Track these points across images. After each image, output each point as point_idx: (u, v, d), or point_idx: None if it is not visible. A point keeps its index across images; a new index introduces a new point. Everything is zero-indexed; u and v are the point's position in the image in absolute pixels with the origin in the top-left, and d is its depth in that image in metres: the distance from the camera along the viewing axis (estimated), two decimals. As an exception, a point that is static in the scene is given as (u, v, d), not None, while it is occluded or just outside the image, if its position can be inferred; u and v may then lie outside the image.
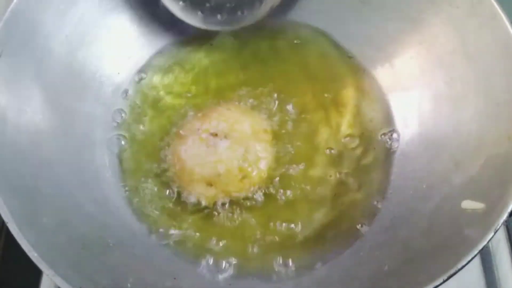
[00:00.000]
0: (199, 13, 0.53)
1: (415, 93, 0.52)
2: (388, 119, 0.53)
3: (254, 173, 0.50)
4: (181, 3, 0.53)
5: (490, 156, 0.43)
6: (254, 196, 0.50)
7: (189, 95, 0.56)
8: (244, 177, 0.49)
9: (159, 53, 0.57)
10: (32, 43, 0.46)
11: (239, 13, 0.54)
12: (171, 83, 0.56)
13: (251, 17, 0.54)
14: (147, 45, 0.57)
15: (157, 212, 0.50)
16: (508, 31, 0.44)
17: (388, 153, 0.52)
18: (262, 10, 0.54)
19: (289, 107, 0.54)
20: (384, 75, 0.55)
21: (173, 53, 0.57)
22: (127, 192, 0.50)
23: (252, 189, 0.50)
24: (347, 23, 0.55)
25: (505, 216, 0.37)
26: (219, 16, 0.54)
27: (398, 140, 0.52)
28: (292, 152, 0.52)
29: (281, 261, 0.47)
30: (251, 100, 0.54)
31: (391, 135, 0.52)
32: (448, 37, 0.49)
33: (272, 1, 0.53)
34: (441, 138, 0.49)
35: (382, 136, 0.53)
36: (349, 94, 0.55)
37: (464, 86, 0.48)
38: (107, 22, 0.53)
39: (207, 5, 0.53)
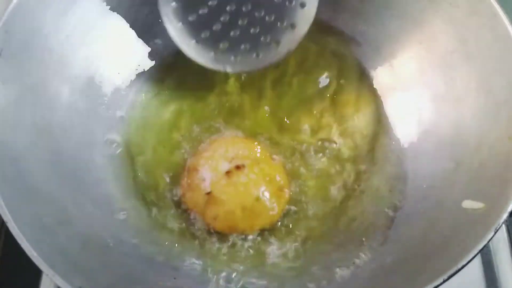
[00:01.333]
0: (212, 53, 0.49)
1: (415, 93, 0.52)
2: (390, 119, 0.54)
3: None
4: (193, 41, 0.49)
5: (490, 155, 0.43)
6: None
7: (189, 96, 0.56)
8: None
9: (159, 52, 0.57)
10: (32, 43, 0.46)
11: (254, 55, 0.49)
12: (172, 83, 0.57)
13: (266, 60, 0.50)
14: (147, 45, 0.57)
15: (157, 212, 0.50)
16: (508, 30, 0.44)
17: (391, 154, 0.52)
18: (279, 54, 0.49)
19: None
20: (384, 75, 0.55)
21: (173, 52, 0.57)
22: (127, 192, 0.50)
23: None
24: (347, 23, 0.55)
25: (505, 215, 0.37)
26: (232, 58, 0.49)
27: (403, 141, 0.52)
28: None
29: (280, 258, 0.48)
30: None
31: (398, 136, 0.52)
32: (448, 36, 0.49)
33: (289, 45, 0.49)
34: (441, 138, 0.49)
35: (387, 139, 0.53)
36: (351, 96, 0.55)
37: (464, 85, 0.48)
38: (107, 22, 0.53)
39: (221, 45, 0.49)
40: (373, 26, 0.54)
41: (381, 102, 0.54)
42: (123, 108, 0.55)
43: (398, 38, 0.53)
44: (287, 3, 0.47)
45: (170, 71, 0.57)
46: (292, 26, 0.48)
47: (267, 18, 0.48)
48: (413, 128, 0.52)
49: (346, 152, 0.53)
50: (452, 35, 0.49)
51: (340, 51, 0.56)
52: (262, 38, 0.48)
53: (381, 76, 0.55)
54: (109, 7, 0.53)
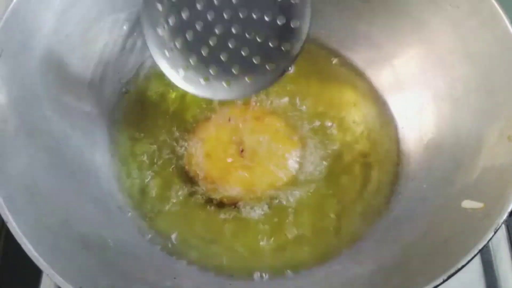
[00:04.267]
0: (201, 80, 0.46)
1: (415, 93, 0.53)
2: (390, 119, 0.54)
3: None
4: (181, 71, 0.46)
5: (490, 156, 0.43)
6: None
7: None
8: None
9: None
10: (32, 43, 0.46)
11: (246, 79, 0.46)
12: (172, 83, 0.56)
13: (259, 84, 0.46)
14: (147, 44, 0.57)
15: (157, 212, 0.50)
16: (508, 30, 0.44)
17: (392, 153, 0.52)
18: (273, 76, 0.46)
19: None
20: (384, 75, 0.55)
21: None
22: (127, 192, 0.50)
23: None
24: (347, 23, 0.55)
25: (505, 215, 0.37)
26: (224, 84, 0.46)
27: (403, 141, 0.52)
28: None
29: (281, 260, 0.48)
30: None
31: (398, 135, 0.52)
32: (449, 36, 0.49)
33: (283, 65, 0.45)
34: (441, 138, 0.49)
35: (388, 139, 0.53)
36: (351, 95, 0.55)
37: (464, 86, 0.48)
38: (106, 21, 0.53)
39: (211, 72, 0.46)
40: (374, 27, 0.54)
41: (382, 102, 0.54)
42: (123, 108, 0.55)
43: (399, 38, 0.53)
44: (278, 22, 0.44)
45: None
46: (285, 46, 0.45)
47: (258, 38, 0.44)
48: (413, 128, 0.52)
49: (346, 152, 0.53)
50: (452, 35, 0.49)
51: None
52: (254, 60, 0.45)
53: (382, 77, 0.55)
54: (109, 6, 0.53)
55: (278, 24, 0.43)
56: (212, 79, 0.46)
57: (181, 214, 0.50)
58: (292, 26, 0.44)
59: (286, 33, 0.44)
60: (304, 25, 0.44)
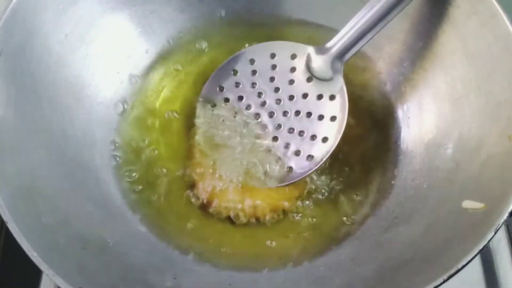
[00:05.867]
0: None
1: (415, 93, 0.52)
2: (390, 119, 0.54)
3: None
4: None
5: (490, 155, 0.43)
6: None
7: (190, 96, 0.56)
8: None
9: (159, 52, 0.57)
10: (31, 42, 0.46)
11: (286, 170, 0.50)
12: (171, 83, 0.57)
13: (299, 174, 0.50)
14: (147, 44, 0.57)
15: (157, 212, 0.50)
16: (508, 30, 0.44)
17: (392, 154, 0.52)
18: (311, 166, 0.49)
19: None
20: (384, 75, 0.55)
21: (173, 52, 0.57)
22: (127, 192, 0.50)
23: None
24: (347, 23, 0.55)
25: (505, 216, 0.37)
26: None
27: (403, 141, 0.52)
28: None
29: (281, 259, 0.48)
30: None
31: (398, 135, 0.52)
32: (448, 36, 0.49)
33: (322, 156, 0.49)
34: (441, 138, 0.49)
35: (388, 139, 0.53)
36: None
37: (464, 85, 0.48)
38: (106, 21, 0.53)
39: None
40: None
41: (382, 102, 0.55)
42: (123, 107, 0.55)
43: (399, 38, 0.53)
44: (317, 120, 0.50)
45: (170, 70, 0.57)
46: (324, 139, 0.49)
47: (299, 134, 0.50)
48: (414, 128, 0.52)
49: (345, 153, 0.53)
50: (453, 35, 0.49)
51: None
52: (295, 153, 0.50)
53: (382, 77, 0.55)
54: (109, 6, 0.53)
55: (318, 121, 0.50)
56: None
57: (182, 214, 0.50)
58: (331, 121, 0.49)
59: (326, 128, 0.49)
60: (342, 120, 0.49)
